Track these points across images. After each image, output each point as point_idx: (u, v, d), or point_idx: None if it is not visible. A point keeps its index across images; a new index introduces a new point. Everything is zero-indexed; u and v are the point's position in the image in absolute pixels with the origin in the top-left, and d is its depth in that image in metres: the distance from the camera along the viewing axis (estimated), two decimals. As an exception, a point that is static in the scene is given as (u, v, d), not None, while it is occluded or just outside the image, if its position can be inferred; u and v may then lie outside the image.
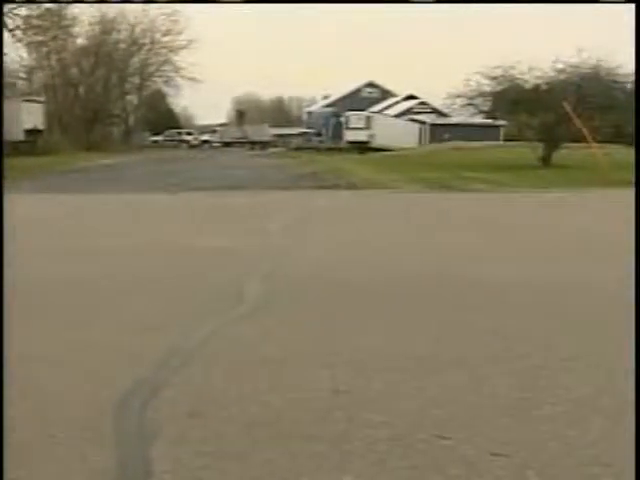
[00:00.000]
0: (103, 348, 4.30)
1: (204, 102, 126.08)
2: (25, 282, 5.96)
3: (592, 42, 58.05)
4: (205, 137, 70.89)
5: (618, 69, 26.49)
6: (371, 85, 78.13)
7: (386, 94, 75.36)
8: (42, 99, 46.85)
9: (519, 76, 27.41)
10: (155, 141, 68.58)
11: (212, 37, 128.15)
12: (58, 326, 4.84)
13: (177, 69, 61.64)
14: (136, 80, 64.13)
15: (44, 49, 54.50)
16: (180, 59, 60.89)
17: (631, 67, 25.61)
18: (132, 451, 2.92)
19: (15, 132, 35.56)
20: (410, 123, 55.48)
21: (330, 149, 50.73)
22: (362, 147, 47.38)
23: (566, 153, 26.15)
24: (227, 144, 63.85)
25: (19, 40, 45.58)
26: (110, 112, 62.02)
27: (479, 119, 37.63)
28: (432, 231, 10.01)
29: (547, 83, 27.31)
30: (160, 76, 64.49)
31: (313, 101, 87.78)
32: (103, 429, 3.09)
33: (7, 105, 33.74)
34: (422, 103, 65.44)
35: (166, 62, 62.55)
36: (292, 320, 4.98)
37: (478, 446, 2.92)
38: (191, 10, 68.78)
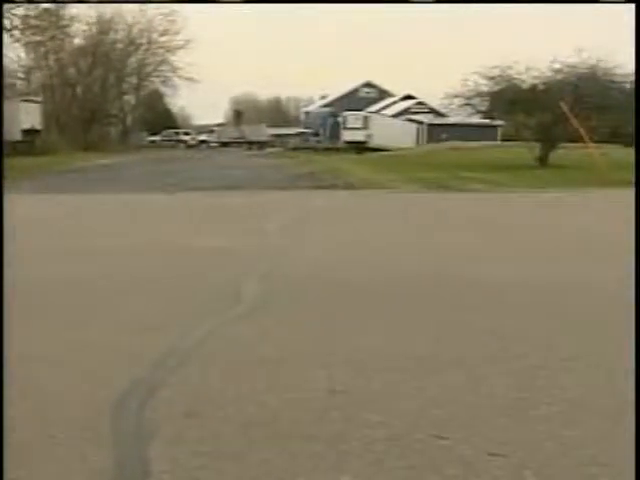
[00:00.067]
0: (101, 348, 4.30)
1: (202, 102, 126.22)
2: (24, 282, 5.96)
3: (592, 42, 58.14)
4: (203, 137, 70.91)
5: (616, 69, 26.54)
6: (369, 85, 78.14)
7: (383, 94, 75.38)
8: (40, 99, 46.82)
9: (516, 76, 27.46)
10: (153, 141, 68.54)
11: (211, 37, 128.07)
12: (57, 326, 4.84)
13: (174, 69, 61.68)
14: (133, 80, 64.12)
15: (42, 49, 54.48)
16: (177, 59, 60.99)
17: (628, 67, 25.70)
18: (130, 451, 2.92)
19: (13, 132, 35.51)
20: (408, 123, 55.51)
21: (328, 149, 50.73)
22: (360, 147, 47.40)
23: (563, 153, 26.18)
24: (225, 144, 63.84)
25: (17, 40, 45.55)
26: (108, 112, 62.00)
27: (476, 119, 37.71)
28: (430, 231, 10.01)
29: (544, 83, 27.33)
30: (157, 76, 64.53)
31: (311, 101, 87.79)
32: (102, 429, 3.09)
33: (5, 105, 33.70)
34: (420, 103, 65.48)
35: (163, 62, 62.59)
36: (290, 320, 4.98)
37: (475, 446, 2.93)
38: (190, 10, 68.87)
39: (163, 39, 60.91)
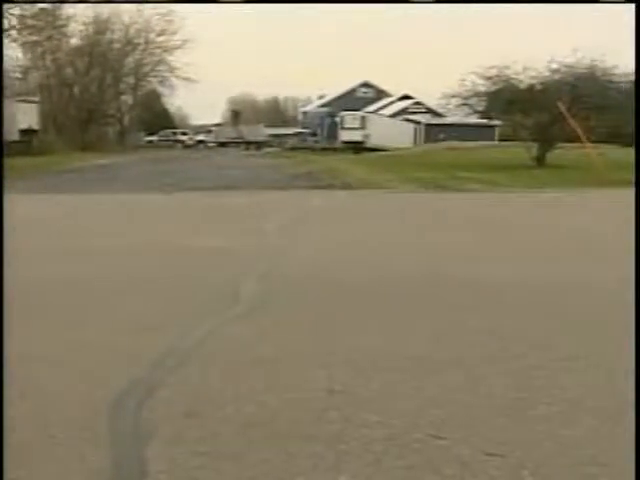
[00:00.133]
0: (99, 348, 4.30)
1: (199, 102, 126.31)
2: (23, 282, 5.95)
3: (592, 42, 58.23)
4: (200, 137, 70.89)
5: (614, 69, 26.54)
6: (366, 85, 78.11)
7: (381, 94, 75.36)
8: (37, 99, 46.79)
9: (514, 76, 27.46)
10: (150, 141, 68.53)
11: (210, 37, 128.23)
12: (56, 326, 4.84)
13: (172, 69, 61.64)
14: (131, 80, 64.07)
15: (39, 49, 54.42)
16: (175, 59, 60.96)
17: (626, 67, 25.71)
18: (128, 451, 2.92)
19: (10, 132, 35.48)
20: (405, 123, 55.52)
21: (325, 149, 50.79)
22: (357, 147, 47.46)
23: (560, 153, 26.20)
24: (222, 144, 63.83)
25: (14, 40, 45.50)
26: (105, 112, 61.96)
27: (474, 119, 37.73)
28: (428, 231, 10.02)
29: (541, 83, 27.34)
30: (155, 76, 64.48)
31: (308, 101, 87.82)
32: (101, 429, 3.09)
33: (3, 105, 33.67)
34: (417, 103, 65.46)
35: (161, 62, 62.55)
36: (288, 320, 4.98)
37: (473, 446, 2.93)
38: (190, 10, 68.77)
39: (160, 39, 60.93)
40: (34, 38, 48.86)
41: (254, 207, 13.62)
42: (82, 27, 57.93)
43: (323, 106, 71.46)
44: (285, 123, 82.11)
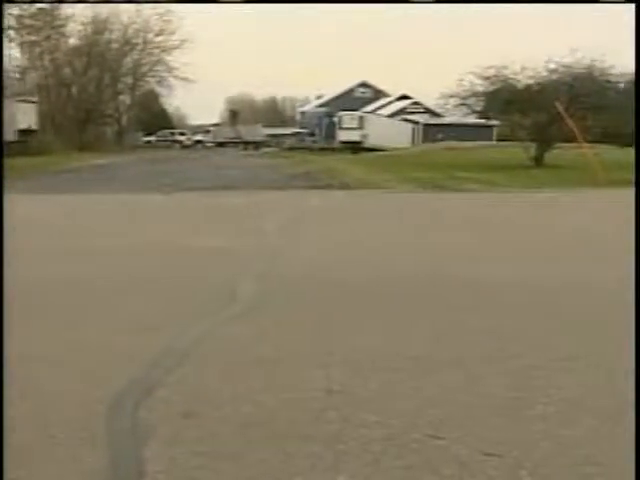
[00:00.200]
0: (99, 348, 4.31)
1: (197, 102, 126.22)
2: (23, 282, 5.96)
3: (592, 42, 58.25)
4: (198, 137, 70.79)
5: (611, 69, 26.56)
6: (364, 85, 78.13)
7: (379, 94, 75.39)
8: (35, 99, 46.74)
9: (512, 76, 27.47)
10: (148, 141, 68.44)
11: (209, 37, 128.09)
12: (56, 326, 4.85)
13: (170, 69, 61.56)
14: (129, 80, 63.98)
15: (37, 49, 54.40)
16: (173, 59, 60.88)
17: (624, 67, 25.73)
18: (126, 451, 2.93)
19: (8, 132, 35.44)
20: (403, 123, 55.54)
21: (323, 149, 50.77)
22: (355, 147, 47.44)
23: (558, 153, 26.20)
24: (220, 144, 63.77)
25: (11, 40, 45.49)
26: (103, 112, 61.87)
27: (472, 119, 37.71)
28: (426, 231, 10.03)
29: (539, 83, 27.35)
30: (153, 76, 64.39)
31: (306, 101, 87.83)
32: (100, 429, 3.10)
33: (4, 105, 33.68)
34: (415, 103, 65.49)
35: (159, 62, 62.47)
36: (286, 320, 4.99)
37: (471, 446, 2.94)
38: (189, 10, 68.67)
39: (159, 39, 60.85)
40: (32, 38, 48.92)
41: (252, 207, 13.62)
42: (80, 27, 57.97)
43: (321, 106, 71.48)
44: (283, 123, 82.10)
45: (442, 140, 47.48)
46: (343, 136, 52.05)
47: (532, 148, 26.73)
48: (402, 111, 62.83)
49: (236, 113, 74.30)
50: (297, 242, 8.98)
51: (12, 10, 40.81)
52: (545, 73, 27.33)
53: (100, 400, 3.40)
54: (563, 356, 4.12)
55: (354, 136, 50.36)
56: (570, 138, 22.56)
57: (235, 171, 25.82)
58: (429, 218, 12.08)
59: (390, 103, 68.63)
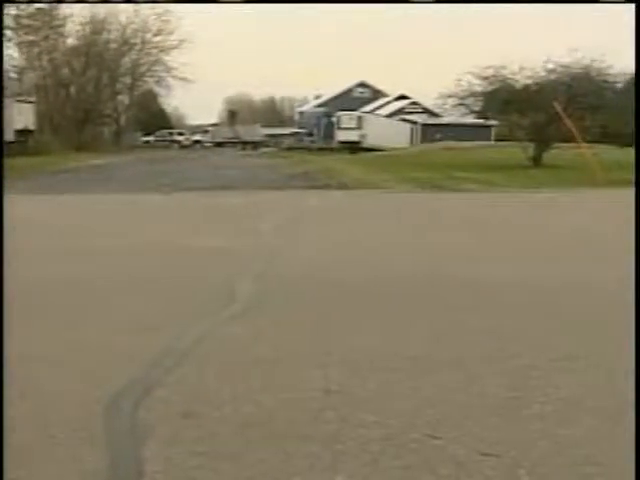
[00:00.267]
0: (99, 348, 4.31)
1: (196, 102, 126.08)
2: (23, 282, 5.96)
3: (591, 42, 58.23)
4: (197, 137, 70.80)
5: (609, 69, 26.58)
6: (362, 85, 78.15)
7: (377, 94, 75.39)
8: (33, 99, 46.70)
9: (510, 76, 27.48)
10: (146, 141, 68.43)
11: (209, 37, 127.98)
12: (56, 326, 4.86)
13: (168, 69, 61.54)
14: (127, 80, 63.94)
15: (35, 49, 54.32)
16: (171, 59, 60.85)
17: (622, 67, 25.76)
18: (125, 451, 2.93)
19: (6, 132, 35.41)
20: (401, 123, 55.56)
21: (321, 149, 50.78)
22: (353, 147, 47.45)
23: (557, 153, 26.21)
24: (219, 144, 63.77)
25: (9, 40, 45.40)
26: (101, 112, 61.83)
27: (470, 119, 37.71)
28: (424, 231, 10.03)
29: (537, 83, 27.36)
30: (151, 76, 64.36)
31: (305, 101, 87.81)
32: (100, 429, 3.10)
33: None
34: (413, 103, 65.52)
35: (157, 62, 62.43)
36: (285, 320, 4.99)
37: (469, 446, 2.94)
38: (189, 10, 68.51)
39: (157, 39, 60.83)
40: (30, 38, 48.80)
41: (251, 207, 13.62)
42: (79, 27, 57.97)
43: (319, 106, 71.48)
44: (282, 123, 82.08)
45: (440, 140, 47.47)
46: (341, 136, 52.07)
47: (530, 148, 26.75)
48: (400, 111, 62.85)
49: (234, 113, 74.30)
50: (296, 242, 8.99)
51: (10, 10, 40.72)
52: (543, 73, 27.38)
53: (100, 400, 3.40)
54: (563, 356, 4.13)
55: (352, 136, 50.37)
56: (568, 138, 22.59)
57: (234, 171, 25.81)
58: (427, 218, 12.09)
59: (388, 103, 68.64)
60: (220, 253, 7.89)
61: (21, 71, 55.10)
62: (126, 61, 62.43)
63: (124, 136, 64.14)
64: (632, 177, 16.07)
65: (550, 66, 26.96)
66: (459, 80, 27.69)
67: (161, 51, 61.38)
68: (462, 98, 28.58)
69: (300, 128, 68.06)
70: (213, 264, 7.29)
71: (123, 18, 59.77)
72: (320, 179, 20.80)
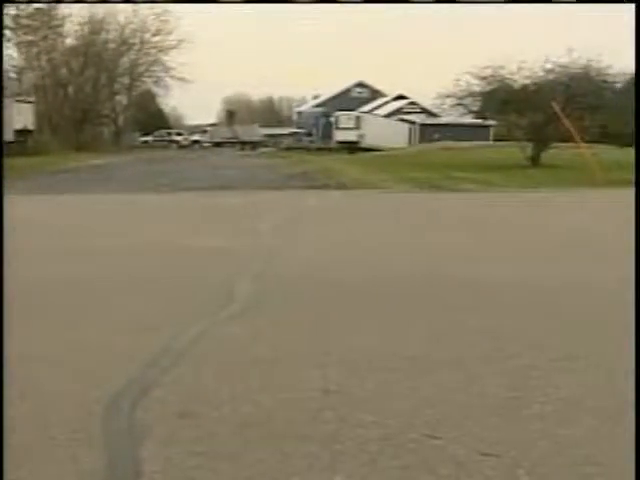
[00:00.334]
0: (99, 348, 4.31)
1: (194, 102, 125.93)
2: (23, 282, 5.95)
3: (591, 42, 58.20)
4: (195, 137, 70.81)
5: (608, 69, 26.59)
6: (361, 85, 78.14)
7: (376, 94, 75.39)
8: (32, 99, 46.68)
9: (508, 76, 27.48)
10: (145, 141, 68.39)
11: (209, 37, 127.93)
12: (56, 326, 4.85)
13: (167, 69, 61.49)
14: (126, 80, 63.90)
15: (34, 49, 54.30)
16: (170, 59, 60.81)
17: (621, 67, 25.77)
18: (123, 451, 2.93)
19: (6, 132, 35.39)
20: (400, 123, 55.56)
21: (320, 149, 50.78)
22: (352, 147, 47.47)
23: (555, 153, 26.23)
24: (217, 144, 63.75)
25: (8, 40, 45.38)
26: (100, 112, 61.81)
27: (469, 119, 37.74)
28: (423, 231, 10.03)
29: (535, 83, 27.37)
30: (150, 76, 64.29)
31: (303, 101, 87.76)
32: (99, 429, 3.10)
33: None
34: (412, 103, 65.52)
35: (156, 62, 62.39)
36: (283, 320, 4.99)
37: (468, 446, 2.94)
38: (188, 10, 68.45)
39: (156, 39, 60.77)
40: (29, 38, 48.80)
41: (249, 207, 13.62)
42: (77, 27, 57.92)
43: (318, 106, 71.47)
44: (280, 123, 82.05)
45: (439, 140, 47.45)
46: (340, 136, 52.10)
47: (529, 148, 26.76)
48: (399, 111, 62.85)
49: (233, 113, 74.32)
50: (294, 242, 8.99)
51: (9, 10, 40.70)
52: (542, 73, 27.38)
53: (99, 400, 3.40)
54: (563, 356, 4.13)
55: (351, 136, 50.41)
56: (567, 138, 22.60)
57: (232, 171, 25.80)
58: (426, 218, 12.09)
59: (387, 103, 68.65)
60: (219, 253, 7.89)
61: (20, 71, 55.09)
62: (124, 61, 62.41)
63: (123, 136, 64.12)
64: (632, 177, 16.06)
65: (548, 66, 27.01)
66: (457, 80, 27.72)
67: (160, 51, 61.37)
68: (460, 98, 28.59)
69: (298, 128, 68.06)
70: (212, 264, 7.28)
71: (122, 18, 59.80)
72: (319, 179, 20.80)
